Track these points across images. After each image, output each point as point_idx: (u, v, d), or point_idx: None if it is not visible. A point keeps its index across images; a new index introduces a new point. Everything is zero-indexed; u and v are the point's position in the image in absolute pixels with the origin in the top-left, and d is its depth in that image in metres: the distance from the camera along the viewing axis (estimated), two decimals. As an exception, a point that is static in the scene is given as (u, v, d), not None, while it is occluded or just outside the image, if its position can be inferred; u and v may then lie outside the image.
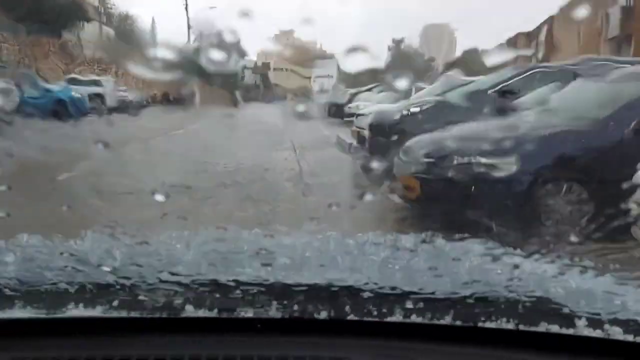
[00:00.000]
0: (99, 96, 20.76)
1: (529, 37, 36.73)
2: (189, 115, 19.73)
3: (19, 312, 0.91)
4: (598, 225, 4.18)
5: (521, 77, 7.53)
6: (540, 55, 30.39)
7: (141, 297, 0.91)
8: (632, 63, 7.20)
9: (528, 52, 34.04)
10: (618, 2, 24.83)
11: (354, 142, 11.24)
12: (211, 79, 43.28)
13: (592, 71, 6.40)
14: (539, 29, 35.26)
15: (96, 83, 21.64)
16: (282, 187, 6.93)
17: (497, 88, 7.39)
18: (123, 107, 21.30)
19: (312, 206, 5.82)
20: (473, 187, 4.43)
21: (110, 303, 0.91)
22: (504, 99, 7.11)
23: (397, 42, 76.40)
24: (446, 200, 4.54)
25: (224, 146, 10.78)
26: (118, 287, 0.93)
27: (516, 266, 1.09)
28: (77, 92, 19.06)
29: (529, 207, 4.34)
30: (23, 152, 8.67)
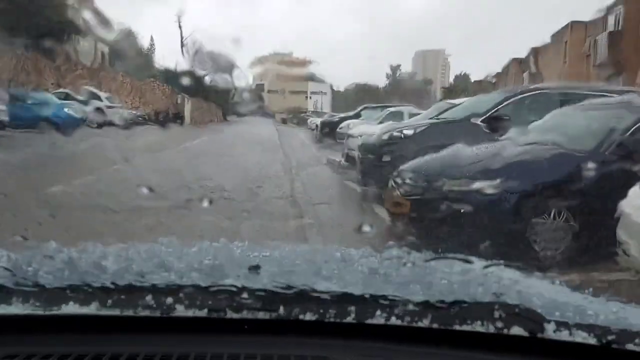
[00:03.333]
0: (95, 111, 20.77)
1: (521, 64, 37.24)
2: (181, 134, 19.81)
3: (12, 309, 0.94)
4: (579, 246, 4.30)
5: (510, 101, 7.66)
6: (530, 80, 30.85)
7: (133, 297, 0.95)
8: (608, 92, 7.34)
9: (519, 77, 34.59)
10: (607, 29, 25.28)
11: (343, 162, 11.38)
12: (205, 97, 43.49)
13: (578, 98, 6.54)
14: (529, 55, 35.79)
15: (91, 99, 21.64)
16: (273, 205, 6.97)
17: (487, 112, 7.50)
18: (117, 123, 21.29)
19: (299, 222, 5.91)
20: (460, 209, 4.51)
21: (103, 302, 0.94)
22: (493, 123, 7.22)
23: (394, 68, 77.23)
24: (434, 220, 4.61)
25: (210, 166, 10.85)
26: (111, 286, 0.96)
27: (491, 275, 1.17)
28: (71, 107, 19.08)
29: (513, 227, 4.42)
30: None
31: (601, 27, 26.05)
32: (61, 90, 21.54)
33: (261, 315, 0.94)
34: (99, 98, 22.13)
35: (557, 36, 31.56)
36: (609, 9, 25.42)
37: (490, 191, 4.47)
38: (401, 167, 5.37)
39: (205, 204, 5.54)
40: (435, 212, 4.65)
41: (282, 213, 6.54)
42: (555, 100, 6.91)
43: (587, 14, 29.06)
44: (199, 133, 23.73)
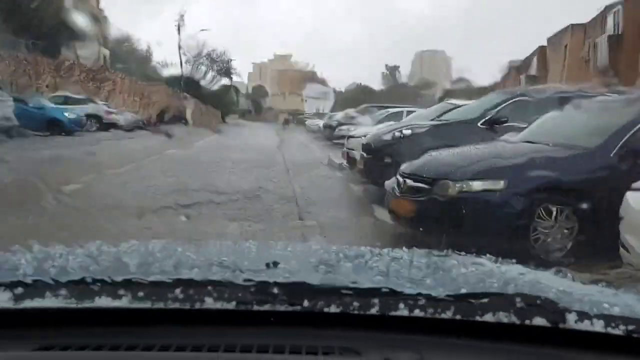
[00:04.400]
0: (94, 116, 20.80)
1: (519, 67, 37.27)
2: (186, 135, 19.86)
3: (47, 302, 0.96)
4: (582, 244, 4.33)
5: (510, 102, 7.71)
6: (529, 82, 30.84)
7: (163, 290, 0.97)
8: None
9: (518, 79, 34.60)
10: (606, 32, 25.29)
11: (344, 163, 11.41)
12: (205, 100, 43.49)
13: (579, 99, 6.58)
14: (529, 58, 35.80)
15: (91, 102, 21.67)
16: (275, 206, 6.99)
17: (488, 113, 7.55)
18: (117, 126, 21.34)
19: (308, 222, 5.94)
20: (465, 209, 4.54)
21: (135, 295, 0.96)
22: (494, 124, 7.27)
23: (392, 68, 77.24)
24: (439, 221, 4.65)
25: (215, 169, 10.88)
26: (142, 280, 0.99)
27: (503, 271, 1.20)
28: (72, 111, 19.11)
29: (517, 227, 4.45)
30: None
31: (600, 30, 26.07)
32: (59, 94, 21.53)
33: (286, 308, 0.96)
34: (99, 103, 22.17)
35: (556, 39, 31.58)
36: (608, 11, 25.44)
37: (493, 191, 4.51)
38: (403, 168, 5.40)
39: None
40: (438, 212, 4.68)
41: (282, 214, 6.58)
42: (555, 101, 6.96)
43: (586, 17, 29.00)
44: (202, 134, 23.82)
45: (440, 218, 4.64)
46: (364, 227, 6.00)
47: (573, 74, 26.24)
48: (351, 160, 10.55)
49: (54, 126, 17.48)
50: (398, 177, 5.31)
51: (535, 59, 34.51)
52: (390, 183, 5.49)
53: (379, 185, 6.81)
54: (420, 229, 4.81)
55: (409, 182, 5.07)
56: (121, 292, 0.97)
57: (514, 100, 7.79)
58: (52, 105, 18.87)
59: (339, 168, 11.58)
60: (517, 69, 37.51)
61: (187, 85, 40.28)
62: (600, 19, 26.45)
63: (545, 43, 33.50)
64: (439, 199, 4.70)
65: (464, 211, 4.54)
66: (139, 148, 15.54)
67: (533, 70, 34.40)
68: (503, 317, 0.96)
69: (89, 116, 20.42)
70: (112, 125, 21.04)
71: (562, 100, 6.97)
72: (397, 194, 5.19)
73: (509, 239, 4.30)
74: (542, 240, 4.46)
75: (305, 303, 0.97)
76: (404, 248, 1.41)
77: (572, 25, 29.54)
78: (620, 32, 24.21)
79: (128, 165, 10.44)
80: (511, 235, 4.36)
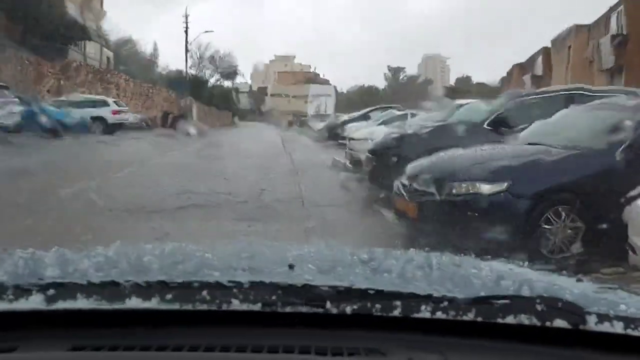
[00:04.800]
0: (100, 118, 20.88)
1: (523, 68, 37.24)
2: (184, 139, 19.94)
3: (79, 303, 0.98)
4: (589, 246, 4.34)
5: (515, 103, 7.72)
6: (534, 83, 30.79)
7: (191, 292, 0.99)
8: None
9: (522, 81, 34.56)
10: (609, 32, 25.23)
11: (348, 163, 11.45)
12: (208, 102, 43.55)
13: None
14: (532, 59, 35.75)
15: (96, 104, 21.74)
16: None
17: (493, 114, 7.56)
18: (123, 128, 21.39)
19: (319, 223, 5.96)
20: (470, 210, 4.56)
21: (163, 296, 0.98)
22: (499, 125, 7.27)
23: (395, 70, 77.19)
24: (443, 222, 4.67)
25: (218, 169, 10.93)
26: (171, 282, 1.01)
27: (515, 273, 1.23)
28: (77, 113, 19.18)
29: (524, 228, 4.47)
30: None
31: (604, 30, 26.01)
32: (63, 97, 21.63)
33: (310, 309, 0.98)
34: (106, 103, 22.22)
35: (559, 39, 31.51)
36: (611, 11, 25.38)
37: (498, 193, 4.52)
38: (408, 169, 5.42)
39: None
40: (443, 213, 4.69)
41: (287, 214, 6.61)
42: (560, 102, 6.97)
43: (590, 17, 28.93)
44: (205, 136, 23.85)
45: (446, 219, 4.66)
46: (370, 228, 6.02)
47: (577, 75, 26.18)
48: (355, 161, 10.59)
49: (58, 128, 17.51)
50: (403, 178, 5.32)
51: (539, 60, 34.47)
52: (395, 184, 5.51)
53: (384, 186, 6.83)
54: (426, 229, 4.82)
55: (415, 183, 5.08)
56: (150, 293, 0.99)
57: (518, 101, 7.80)
58: (56, 107, 18.91)
59: (343, 169, 11.61)
60: (521, 70, 37.48)
61: (191, 86, 40.39)
62: (603, 19, 26.41)
63: (549, 44, 33.47)
64: (444, 200, 4.72)
65: (469, 212, 4.56)
66: (142, 149, 15.60)
67: (537, 71, 34.36)
68: (524, 319, 0.98)
69: (94, 118, 20.49)
70: (118, 127, 21.09)
71: (566, 101, 7.00)
72: (403, 194, 5.21)
73: (514, 240, 4.31)
74: (549, 242, 4.47)
75: (328, 305, 0.98)
76: (414, 250, 1.43)
77: (576, 25, 29.50)
78: (624, 32, 24.16)
79: (128, 169, 10.48)
80: (517, 236, 4.37)
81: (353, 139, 12.08)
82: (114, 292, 0.99)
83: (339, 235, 5.28)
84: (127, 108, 23.67)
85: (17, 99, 16.10)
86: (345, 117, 22.67)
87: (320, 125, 26.54)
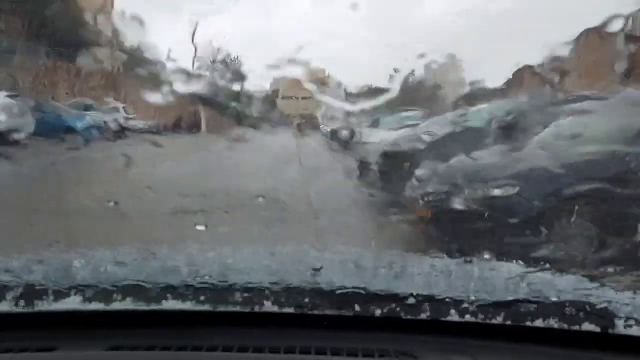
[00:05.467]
0: (110, 123, 21.03)
1: (536, 71, 36.99)
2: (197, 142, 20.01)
3: (116, 304, 1.02)
4: (604, 250, 4.30)
5: (527, 106, 7.68)
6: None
7: (224, 294, 1.03)
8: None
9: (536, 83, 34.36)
10: (622, 34, 25.01)
11: (359, 167, 11.42)
12: (220, 106, 43.71)
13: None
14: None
15: (108, 109, 21.93)
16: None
17: (504, 118, 7.52)
18: (133, 133, 21.54)
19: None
20: (484, 215, 4.54)
21: (198, 298, 1.02)
22: (511, 129, 7.23)
23: (407, 73, 76.83)
24: (457, 227, 4.65)
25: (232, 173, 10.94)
26: (207, 285, 1.04)
27: (535, 277, 1.22)
28: (90, 117, 19.35)
29: (539, 233, 4.43)
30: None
31: (617, 32, 25.78)
32: (78, 100, 21.84)
33: (339, 312, 1.00)
34: (116, 109, 22.41)
35: (572, 42, 31.30)
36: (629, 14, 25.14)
37: (512, 197, 4.50)
38: (421, 173, 5.40)
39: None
40: (456, 217, 4.68)
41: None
42: (572, 105, 6.90)
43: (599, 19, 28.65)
44: (217, 140, 23.91)
45: (460, 224, 4.64)
46: (382, 232, 5.99)
47: (590, 78, 25.97)
48: (366, 166, 10.56)
49: (69, 133, 17.64)
50: (416, 182, 5.31)
51: (551, 62, 34.26)
52: (408, 188, 5.49)
53: (396, 190, 6.80)
54: (440, 234, 4.81)
55: (428, 187, 5.07)
56: (185, 295, 1.03)
57: (531, 104, 7.76)
58: (68, 112, 19.07)
59: (353, 172, 11.58)
60: (533, 74, 37.27)
61: (203, 90, 40.51)
62: (615, 21, 26.19)
63: (561, 46, 33.27)
64: (457, 204, 4.70)
65: (484, 217, 4.54)
66: (151, 153, 15.68)
67: (549, 74, 34.15)
68: (553, 322, 0.99)
69: (105, 124, 20.65)
70: (128, 132, 21.23)
71: (579, 104, 6.93)
72: (416, 199, 5.19)
73: (529, 244, 4.28)
74: (563, 246, 4.44)
75: (357, 307, 1.00)
76: (432, 254, 1.43)
77: (588, 29, 29.31)
78: (637, 34, 23.97)
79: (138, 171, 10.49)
80: (531, 241, 4.35)
81: (367, 142, 12.04)
82: (150, 294, 1.03)
83: (352, 239, 5.27)
84: (135, 114, 23.81)
85: (27, 106, 16.21)
86: (352, 119, 22.63)
87: (330, 128, 26.53)
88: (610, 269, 3.90)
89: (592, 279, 1.31)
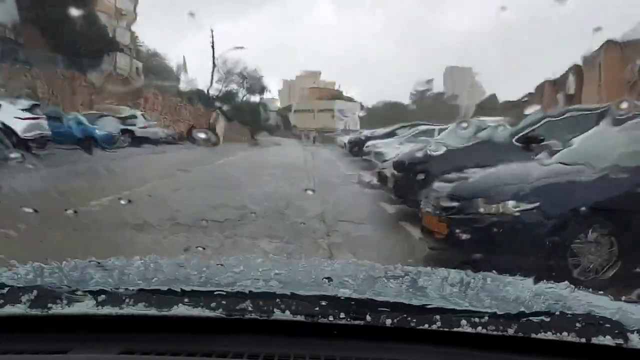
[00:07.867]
0: (128, 131, 21.32)
1: (555, 85, 36.83)
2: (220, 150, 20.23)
3: (129, 309, 1.02)
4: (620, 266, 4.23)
5: (546, 121, 7.61)
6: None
7: (236, 301, 1.02)
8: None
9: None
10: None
11: (375, 180, 11.42)
12: (235, 117, 44.24)
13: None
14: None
15: (126, 118, 22.23)
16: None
17: (523, 133, 7.46)
18: (150, 141, 21.80)
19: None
20: (499, 229, 4.48)
21: (209, 305, 1.01)
22: (529, 143, 7.17)
23: (423, 86, 77.24)
24: (472, 240, 4.58)
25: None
26: (220, 291, 1.05)
27: (548, 290, 1.20)
28: (107, 126, 19.61)
29: (555, 248, 4.37)
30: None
31: (636, 46, 25.64)
32: (94, 110, 22.18)
33: (349, 321, 0.99)
34: (134, 116, 22.72)
35: (591, 56, 31.15)
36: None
37: (528, 211, 4.43)
38: (437, 186, 5.36)
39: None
40: (471, 231, 4.62)
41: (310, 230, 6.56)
42: (592, 120, 6.83)
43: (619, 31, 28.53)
44: (232, 150, 24.19)
45: (475, 238, 4.58)
46: (396, 245, 5.97)
47: (610, 92, 25.82)
48: (382, 178, 10.55)
49: (87, 142, 17.89)
50: (431, 195, 5.27)
51: (570, 77, 34.07)
52: (423, 201, 5.45)
53: (411, 204, 6.76)
54: (454, 247, 4.76)
55: (442, 200, 5.03)
56: (197, 301, 1.02)
57: (549, 119, 7.68)
58: (85, 121, 19.33)
59: (369, 185, 11.59)
60: (552, 87, 37.07)
61: (218, 101, 41.08)
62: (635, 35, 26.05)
63: (580, 61, 33.11)
64: (472, 218, 4.65)
65: (498, 231, 4.48)
66: (170, 163, 15.85)
67: (568, 89, 33.95)
68: (566, 335, 0.97)
69: (122, 132, 20.92)
70: (145, 140, 21.50)
71: (599, 119, 6.85)
72: (430, 212, 5.15)
73: (545, 260, 4.22)
74: (580, 262, 4.36)
75: (368, 317, 0.99)
76: (445, 267, 1.42)
77: (608, 42, 29.14)
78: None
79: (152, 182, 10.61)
80: (547, 256, 4.28)
81: (379, 154, 12.07)
82: (162, 300, 1.03)
83: (365, 252, 5.24)
84: (155, 122, 24.16)
85: (44, 116, 16.38)
86: (367, 132, 22.78)
87: (345, 141, 26.74)
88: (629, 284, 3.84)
89: (606, 292, 1.29)
